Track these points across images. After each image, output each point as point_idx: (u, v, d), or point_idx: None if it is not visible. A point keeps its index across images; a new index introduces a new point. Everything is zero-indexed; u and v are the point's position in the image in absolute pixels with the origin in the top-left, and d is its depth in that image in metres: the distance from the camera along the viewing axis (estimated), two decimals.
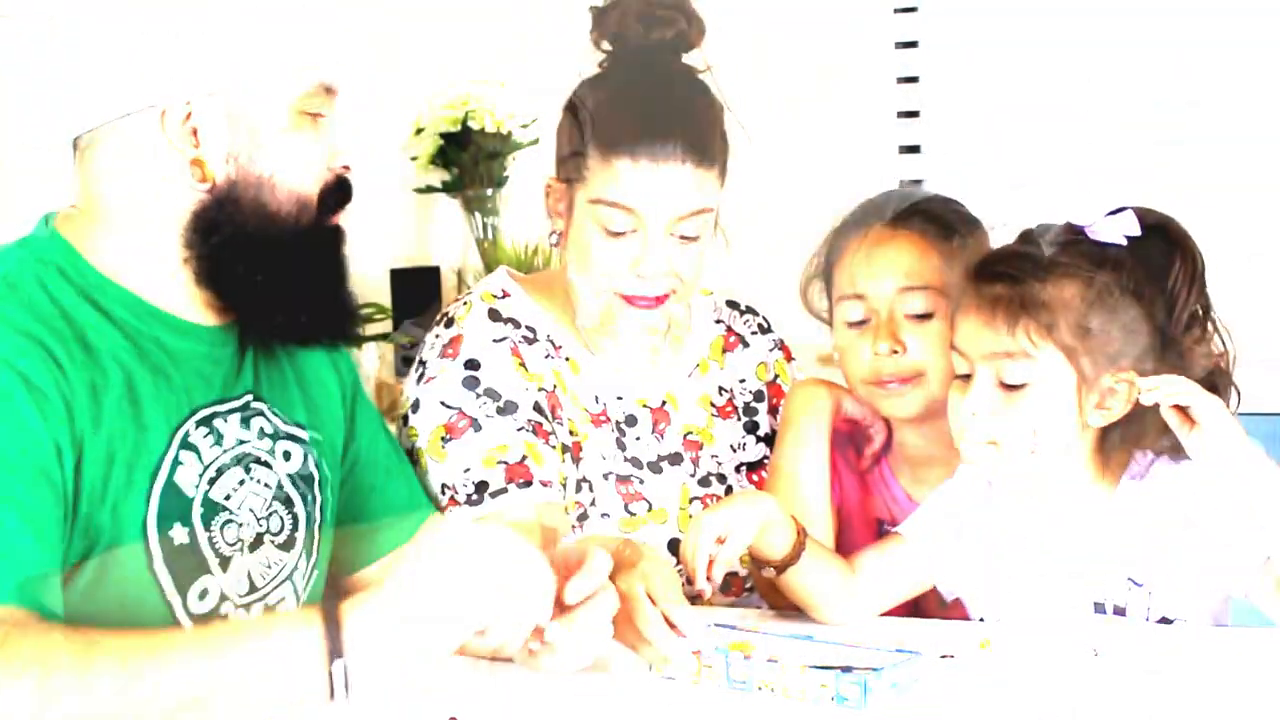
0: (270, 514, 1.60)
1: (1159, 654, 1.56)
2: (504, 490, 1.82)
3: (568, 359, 1.95)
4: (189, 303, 1.56)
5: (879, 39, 2.71)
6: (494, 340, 1.90)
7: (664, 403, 2.00)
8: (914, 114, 2.73)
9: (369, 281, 2.80)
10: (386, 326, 2.72)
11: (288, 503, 1.62)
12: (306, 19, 1.58)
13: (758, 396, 2.08)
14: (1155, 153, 2.56)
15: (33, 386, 1.40)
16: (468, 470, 1.82)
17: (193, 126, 1.51)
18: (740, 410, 2.06)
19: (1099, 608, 1.69)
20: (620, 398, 1.96)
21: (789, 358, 2.14)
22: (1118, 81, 2.61)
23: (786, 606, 1.82)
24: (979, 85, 2.73)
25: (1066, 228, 1.67)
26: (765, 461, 2.02)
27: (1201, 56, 2.56)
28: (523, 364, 1.89)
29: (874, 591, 1.77)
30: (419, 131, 2.57)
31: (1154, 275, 1.66)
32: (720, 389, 2.06)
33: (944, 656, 1.58)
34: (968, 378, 1.66)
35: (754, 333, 2.11)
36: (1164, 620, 1.68)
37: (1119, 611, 1.69)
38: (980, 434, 1.65)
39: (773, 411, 2.07)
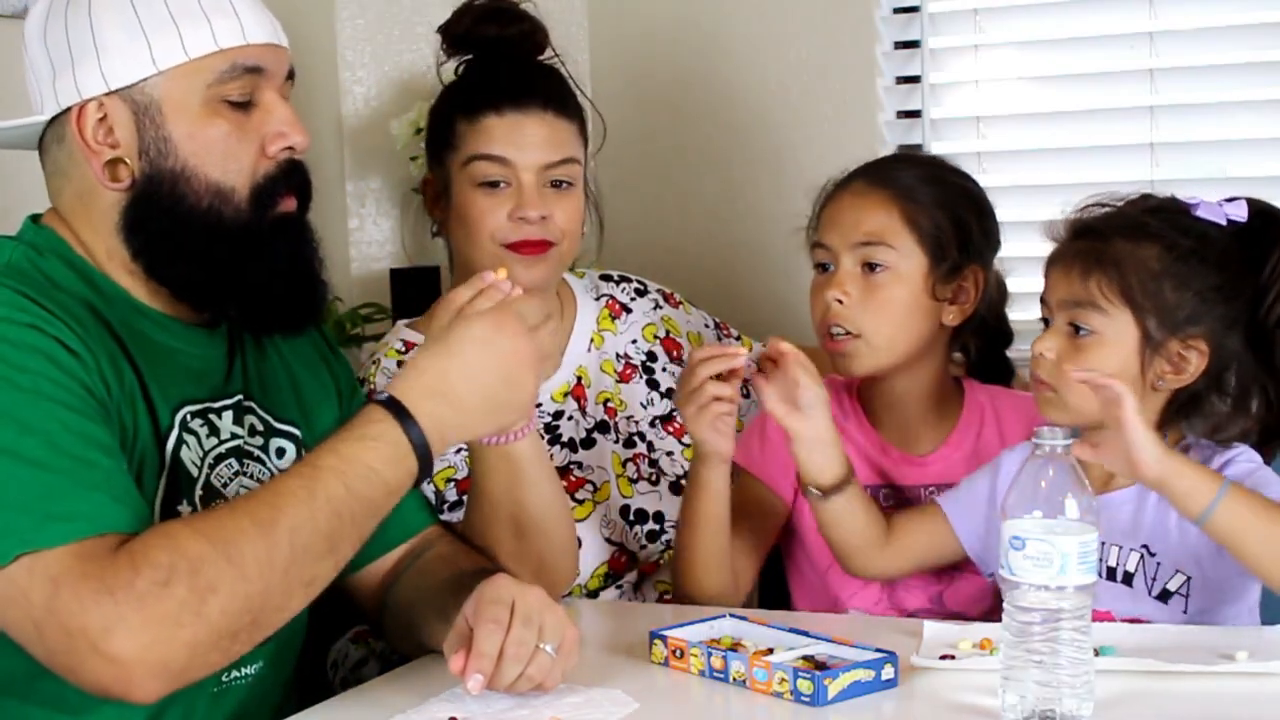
0: None
1: (1165, 652, 1.56)
2: (460, 502, 1.88)
3: None
4: (167, 303, 1.57)
5: (879, 39, 2.70)
6: None
7: (579, 379, 2.11)
8: (914, 114, 2.72)
9: (369, 281, 2.80)
10: (386, 326, 2.73)
11: None
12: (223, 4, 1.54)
13: (651, 357, 2.18)
14: (1156, 153, 2.56)
15: (69, 348, 1.41)
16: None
17: (109, 125, 1.50)
18: (640, 369, 2.16)
19: (1110, 573, 1.72)
20: (540, 404, 2.03)
21: (675, 304, 2.26)
22: (1119, 81, 2.60)
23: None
24: (979, 85, 2.72)
25: (1169, 199, 1.74)
26: (674, 414, 2.16)
27: (1205, 57, 2.56)
28: None
29: (903, 549, 1.86)
30: (418, 131, 2.57)
31: (1251, 260, 1.72)
32: (617, 355, 2.16)
33: (944, 656, 1.58)
34: (1049, 325, 1.74)
35: (632, 298, 2.24)
36: (1163, 594, 1.71)
37: (1127, 579, 1.72)
38: (1044, 375, 1.72)
39: (677, 362, 2.19)
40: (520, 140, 2.00)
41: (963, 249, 1.93)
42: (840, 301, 1.91)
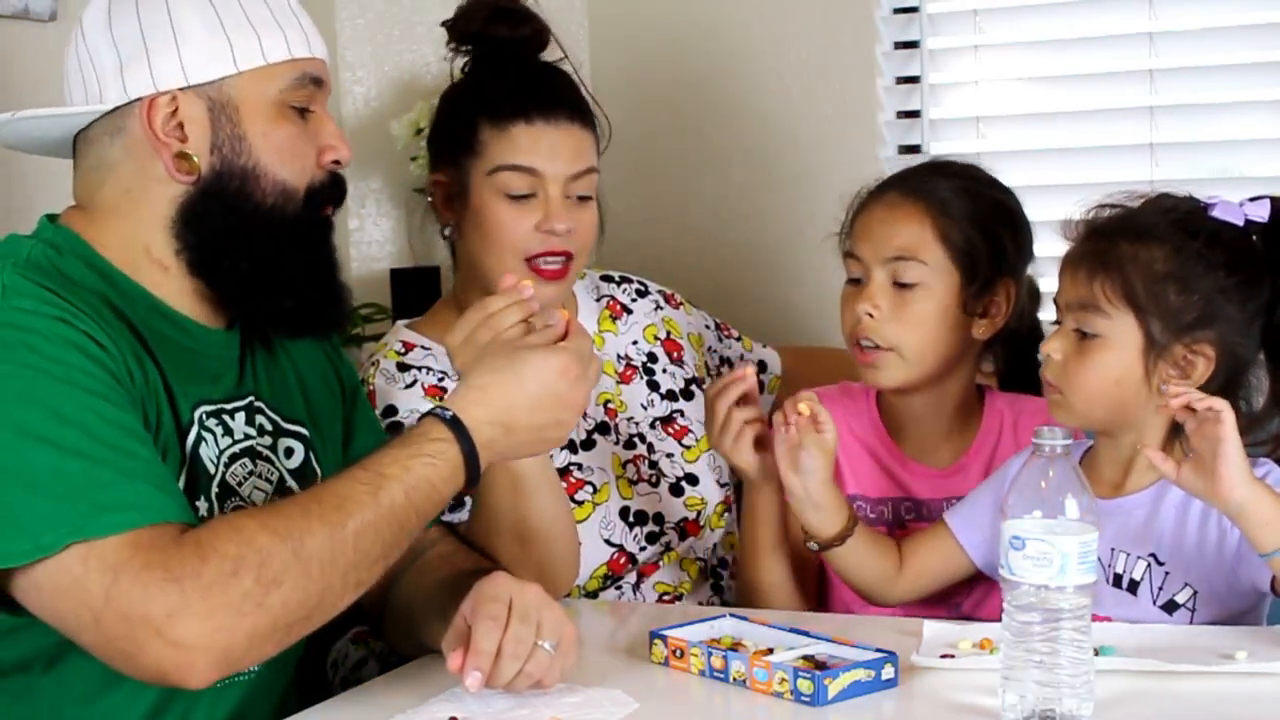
0: None
1: (1163, 651, 1.56)
2: (463, 502, 1.88)
3: None
4: (191, 304, 1.58)
5: (879, 39, 2.70)
6: (404, 387, 1.99)
7: None
8: (914, 114, 2.72)
9: (369, 281, 2.80)
10: (386, 326, 2.73)
11: (290, 495, 1.62)
12: (292, 13, 1.60)
13: (651, 358, 2.17)
14: (1156, 153, 2.56)
15: (97, 341, 1.43)
16: None
17: (179, 120, 1.53)
18: (640, 370, 2.15)
19: (1116, 580, 1.71)
20: None
21: (676, 304, 2.25)
22: (1119, 81, 2.60)
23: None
24: (979, 85, 2.72)
25: (1186, 198, 1.72)
26: (674, 415, 2.15)
27: (1205, 57, 2.56)
28: (442, 399, 1.96)
29: (918, 574, 1.85)
30: (419, 131, 2.57)
31: (1270, 262, 1.68)
32: (618, 356, 2.15)
33: (944, 656, 1.58)
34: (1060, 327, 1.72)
35: (633, 299, 2.23)
36: (1169, 604, 1.70)
37: (1132, 587, 1.71)
38: (1051, 377, 1.70)
39: (677, 364, 2.18)
40: (550, 152, 1.99)
41: (995, 264, 1.92)
42: (871, 315, 1.90)
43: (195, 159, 1.54)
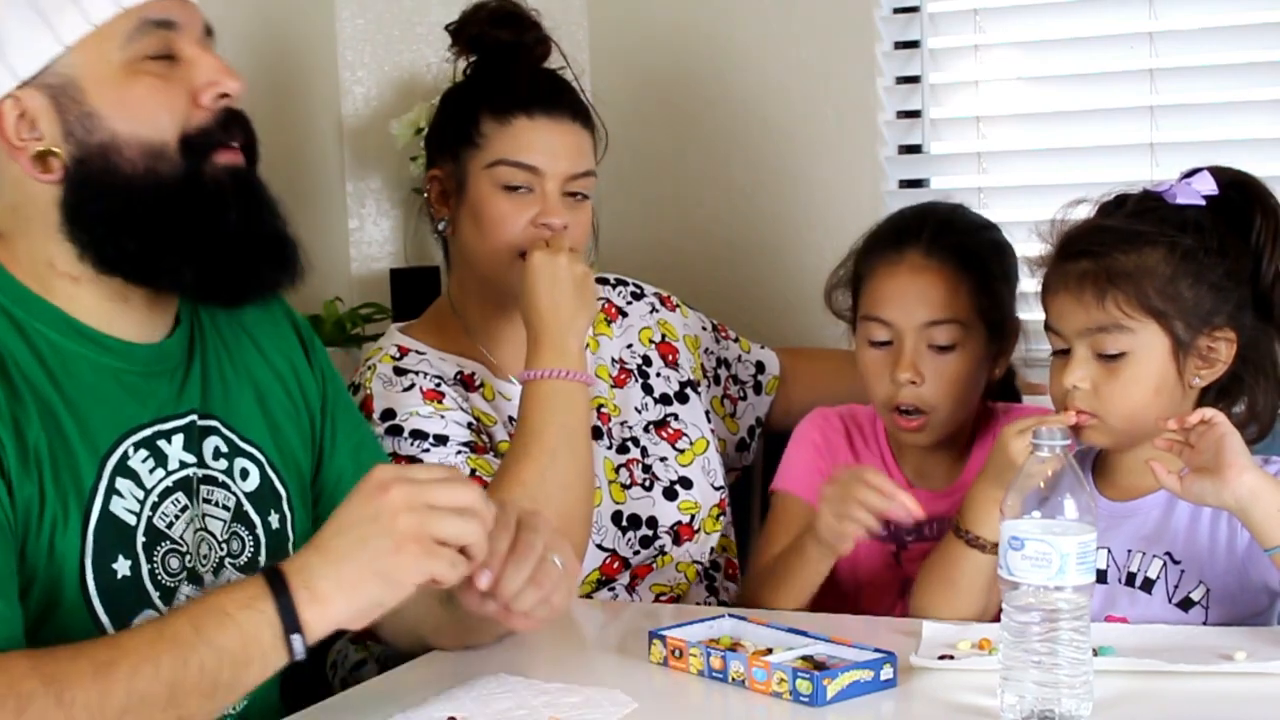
0: (230, 536, 1.54)
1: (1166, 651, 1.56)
2: None
3: (481, 385, 2.01)
4: (112, 316, 1.49)
5: (879, 39, 2.70)
6: (403, 390, 1.98)
7: None
8: (914, 114, 2.72)
9: (369, 281, 2.80)
10: (386, 326, 2.73)
11: (248, 522, 1.57)
12: None
13: (646, 361, 2.17)
14: (1156, 153, 2.56)
15: None
16: None
17: (29, 119, 1.43)
18: (635, 373, 2.15)
19: (1130, 578, 1.71)
20: None
21: (672, 307, 2.25)
22: (1119, 81, 2.60)
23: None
24: (979, 85, 2.72)
25: (1144, 195, 1.72)
26: (668, 419, 2.14)
27: (1205, 57, 2.56)
28: (439, 402, 1.95)
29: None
30: (418, 131, 2.57)
31: (1237, 232, 1.70)
32: (613, 359, 2.15)
33: (943, 656, 1.58)
34: (1065, 353, 1.70)
35: (629, 301, 2.23)
36: (1185, 601, 1.70)
37: (1147, 585, 1.71)
38: (1084, 406, 1.68)
39: (672, 367, 2.18)
40: (550, 149, 1.99)
41: (1011, 312, 1.96)
42: (915, 383, 1.90)
43: (57, 152, 1.43)
